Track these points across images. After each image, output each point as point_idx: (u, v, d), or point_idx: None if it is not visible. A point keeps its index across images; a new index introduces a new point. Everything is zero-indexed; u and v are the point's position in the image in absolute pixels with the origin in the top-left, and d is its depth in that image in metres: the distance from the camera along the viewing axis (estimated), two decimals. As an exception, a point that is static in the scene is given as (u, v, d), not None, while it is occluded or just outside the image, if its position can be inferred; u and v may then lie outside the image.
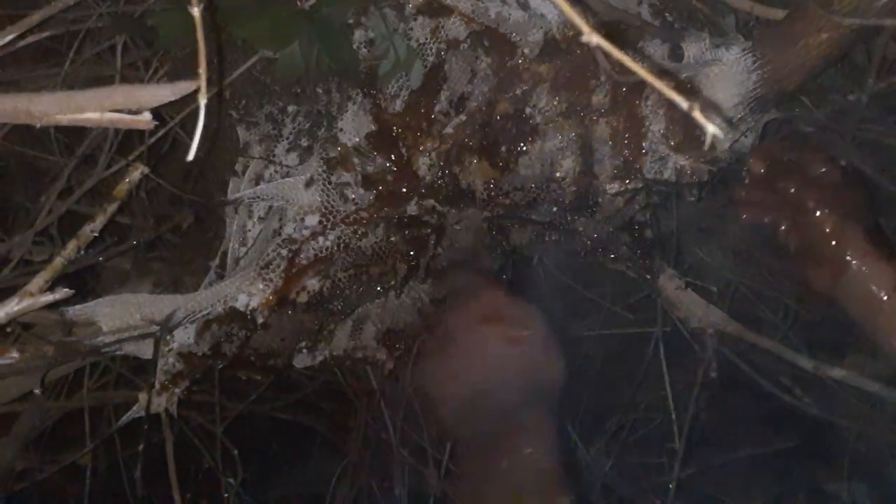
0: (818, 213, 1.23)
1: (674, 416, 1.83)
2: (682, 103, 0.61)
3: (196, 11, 0.68)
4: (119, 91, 0.82)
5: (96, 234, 1.25)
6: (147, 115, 0.80)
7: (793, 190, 1.25)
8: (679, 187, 1.50)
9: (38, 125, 0.84)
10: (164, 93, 0.79)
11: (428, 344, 1.35)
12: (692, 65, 1.41)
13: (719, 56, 1.39)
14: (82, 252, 1.25)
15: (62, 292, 1.16)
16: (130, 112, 0.81)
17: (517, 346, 1.27)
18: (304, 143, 1.47)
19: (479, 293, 1.33)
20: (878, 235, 1.24)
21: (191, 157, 0.70)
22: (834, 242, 1.23)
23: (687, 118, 1.40)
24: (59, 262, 1.19)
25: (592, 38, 0.61)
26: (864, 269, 1.21)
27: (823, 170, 1.29)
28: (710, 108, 1.35)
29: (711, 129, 0.62)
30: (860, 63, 1.63)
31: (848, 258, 1.22)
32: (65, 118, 0.82)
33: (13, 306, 1.14)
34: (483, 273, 1.44)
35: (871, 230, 1.23)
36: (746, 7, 1.44)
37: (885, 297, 1.19)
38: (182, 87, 0.79)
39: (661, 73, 1.40)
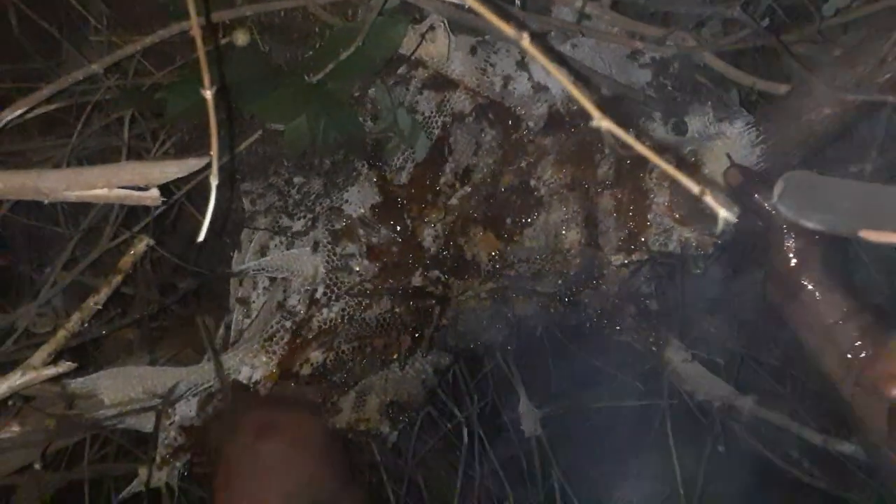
0: (784, 236, 1.24)
1: (681, 491, 1.80)
2: (694, 188, 0.61)
3: (209, 94, 0.68)
4: (127, 168, 0.82)
5: (100, 307, 1.24)
6: (155, 192, 0.80)
7: (766, 208, 1.26)
8: (684, 259, 1.49)
9: (47, 201, 0.84)
10: (173, 170, 0.80)
11: (219, 472, 1.34)
12: (696, 138, 1.42)
13: (723, 130, 1.40)
14: (86, 325, 1.24)
15: (65, 366, 1.14)
16: (138, 188, 0.81)
17: (299, 450, 1.29)
18: (310, 214, 1.47)
19: (247, 410, 1.34)
20: (835, 265, 1.25)
21: (201, 237, 0.70)
22: (792, 263, 1.24)
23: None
24: (62, 335, 1.18)
25: (603, 122, 0.62)
26: (816, 294, 1.22)
27: None
28: (715, 182, 1.35)
29: (723, 213, 0.62)
30: (864, 136, 1.64)
31: (803, 281, 1.23)
32: (73, 194, 0.82)
33: (16, 380, 1.13)
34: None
35: (829, 260, 1.24)
36: (749, 82, 1.45)
37: (832, 326, 1.20)
38: (191, 164, 0.79)
39: (665, 147, 1.41)
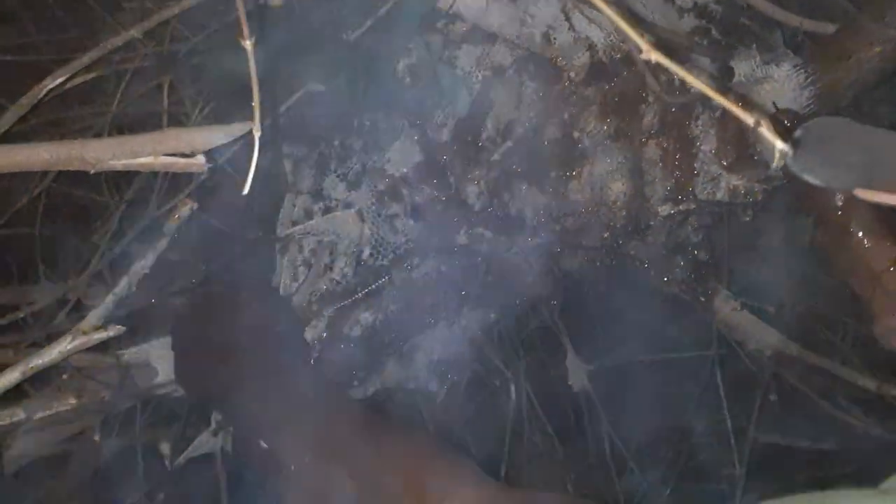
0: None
1: (732, 442, 1.78)
2: (749, 119, 0.60)
3: (248, 45, 0.68)
4: (172, 135, 0.82)
5: (147, 271, 1.25)
6: (201, 158, 0.80)
7: None
8: (732, 207, 1.47)
9: (92, 171, 0.83)
10: (218, 136, 0.79)
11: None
12: (743, 83, 1.39)
13: (770, 73, 1.37)
14: (133, 289, 1.24)
15: (115, 329, 1.15)
16: (183, 155, 0.81)
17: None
18: (353, 175, 1.46)
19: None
20: (884, 213, 1.24)
21: (246, 190, 0.70)
22: (841, 212, 1.23)
23: (739, 137, 1.38)
24: (111, 299, 1.19)
25: (651, 55, 0.60)
26: (865, 242, 1.23)
27: None
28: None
29: (780, 145, 0.60)
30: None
31: (853, 229, 1.23)
32: (118, 163, 0.82)
33: (66, 345, 1.13)
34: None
35: (878, 208, 1.22)
36: (795, 22, 1.42)
37: (882, 273, 1.21)
38: (235, 129, 0.79)
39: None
